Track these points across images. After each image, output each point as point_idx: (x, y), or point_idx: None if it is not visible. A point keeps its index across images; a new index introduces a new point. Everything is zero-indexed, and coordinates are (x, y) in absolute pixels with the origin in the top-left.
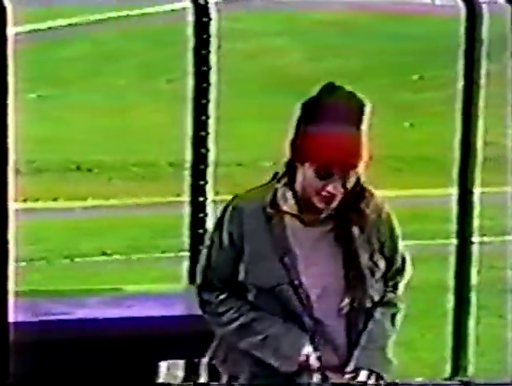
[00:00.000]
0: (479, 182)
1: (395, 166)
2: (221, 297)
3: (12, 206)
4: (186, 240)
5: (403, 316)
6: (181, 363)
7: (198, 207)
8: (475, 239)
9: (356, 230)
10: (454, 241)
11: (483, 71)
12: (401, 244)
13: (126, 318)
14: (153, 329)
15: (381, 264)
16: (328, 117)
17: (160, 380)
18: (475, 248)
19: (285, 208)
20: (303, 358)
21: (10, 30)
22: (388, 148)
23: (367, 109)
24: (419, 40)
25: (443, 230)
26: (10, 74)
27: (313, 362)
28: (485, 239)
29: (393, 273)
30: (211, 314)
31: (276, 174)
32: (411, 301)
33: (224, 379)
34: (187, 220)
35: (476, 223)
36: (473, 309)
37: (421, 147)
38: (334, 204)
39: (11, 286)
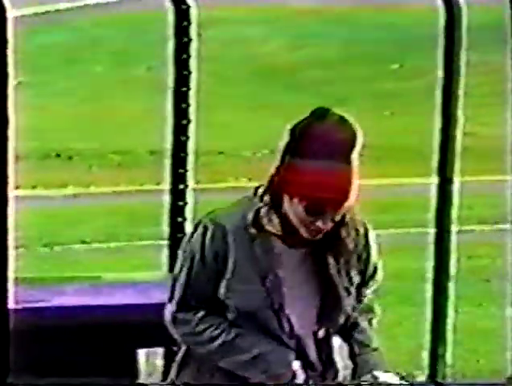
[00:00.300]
0: (458, 171)
1: (375, 154)
2: (200, 314)
3: None
4: (166, 228)
5: (383, 303)
6: (160, 351)
7: (178, 196)
8: (454, 228)
9: (333, 255)
10: (433, 230)
11: (462, 61)
12: (375, 254)
13: (105, 305)
14: (132, 317)
15: (357, 278)
16: (318, 149)
17: (140, 368)
18: (454, 238)
19: (269, 228)
20: (291, 373)
21: None
22: (368, 137)
23: (359, 138)
24: (398, 30)
25: (422, 219)
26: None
27: (300, 376)
28: (464, 228)
29: (367, 282)
30: (189, 334)
31: (257, 189)
32: (391, 289)
33: None
34: (167, 208)
35: (455, 212)
36: (452, 298)
37: (401, 136)
38: (320, 235)
39: None
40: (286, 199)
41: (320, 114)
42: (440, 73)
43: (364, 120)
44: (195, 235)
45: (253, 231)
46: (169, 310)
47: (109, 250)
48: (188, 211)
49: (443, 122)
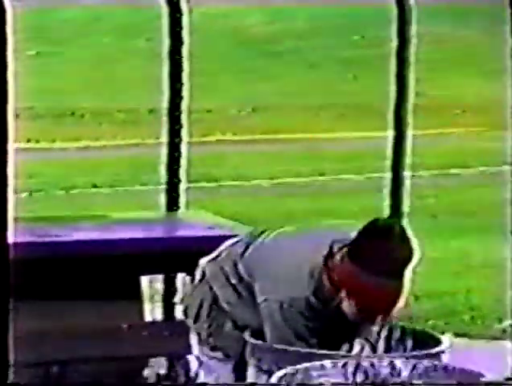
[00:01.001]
0: (410, 125)
1: (340, 112)
2: None
3: (13, 146)
4: (163, 175)
5: None
6: (160, 277)
7: (174, 148)
8: (406, 173)
9: None
10: (389, 175)
11: (413, 32)
12: None
13: (113, 239)
14: (136, 249)
15: None
16: (378, 265)
17: (143, 292)
18: (407, 181)
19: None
20: None
21: None
22: (334, 96)
23: (416, 256)
24: (359, 6)
25: (380, 166)
26: (10, 33)
27: None
28: (415, 173)
29: None
30: None
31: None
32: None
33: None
34: (164, 158)
35: (407, 160)
36: None
37: (362, 96)
38: None
39: (11, 213)
40: (343, 293)
41: (386, 230)
42: (394, 43)
43: (330, 82)
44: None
45: None
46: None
47: (116, 193)
48: (183, 161)
49: (397, 84)
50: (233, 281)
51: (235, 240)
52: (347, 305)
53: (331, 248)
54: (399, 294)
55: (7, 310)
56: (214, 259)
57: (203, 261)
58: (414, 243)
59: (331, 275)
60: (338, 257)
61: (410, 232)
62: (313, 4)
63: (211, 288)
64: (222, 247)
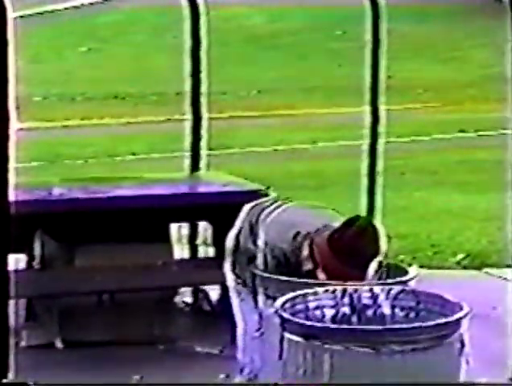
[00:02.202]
0: (383, 102)
1: (328, 92)
2: None
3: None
4: (188, 144)
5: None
6: (186, 224)
7: (196, 123)
8: (380, 140)
9: None
10: (367, 142)
11: (384, 29)
12: None
13: (148, 195)
14: (166, 202)
15: None
16: (348, 256)
17: (171, 237)
18: (380, 147)
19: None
20: None
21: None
22: (323, 80)
23: (380, 254)
24: (341, 9)
25: (359, 134)
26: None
27: None
28: (387, 140)
29: None
30: None
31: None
32: (336, 181)
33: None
34: (189, 131)
35: (381, 129)
36: (380, 186)
37: (345, 80)
38: None
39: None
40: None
41: (361, 230)
42: (369, 36)
43: (319, 69)
44: None
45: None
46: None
47: (151, 159)
48: (203, 133)
49: (372, 69)
50: (251, 223)
51: (265, 199)
52: (320, 273)
53: (321, 228)
54: (362, 280)
55: (7, 309)
56: (250, 208)
57: (244, 209)
58: (383, 241)
59: (312, 248)
60: (322, 239)
61: (381, 232)
62: (305, 6)
63: (239, 231)
64: (255, 201)
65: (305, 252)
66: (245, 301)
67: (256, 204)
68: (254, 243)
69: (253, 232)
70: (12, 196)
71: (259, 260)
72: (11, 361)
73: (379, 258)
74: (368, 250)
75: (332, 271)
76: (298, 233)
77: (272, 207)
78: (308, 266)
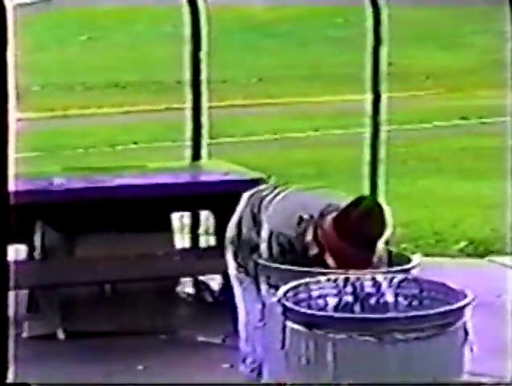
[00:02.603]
0: (385, 89)
1: (328, 80)
2: None
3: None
4: (189, 133)
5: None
6: (187, 214)
7: (196, 111)
8: (383, 128)
9: None
10: (369, 130)
11: (385, 15)
12: None
13: (149, 184)
14: (167, 191)
15: None
16: (354, 237)
17: (173, 226)
18: (382, 134)
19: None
20: None
21: None
22: (323, 68)
23: (386, 232)
24: None
25: (361, 122)
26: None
27: None
28: (389, 128)
29: None
30: None
31: None
32: (341, 170)
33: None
34: (189, 120)
35: (383, 117)
36: (382, 174)
37: (346, 66)
38: None
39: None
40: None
41: (367, 210)
42: (370, 23)
43: (319, 56)
44: None
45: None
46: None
47: (152, 148)
48: (204, 121)
49: (373, 56)
50: (254, 212)
51: (266, 185)
52: (327, 257)
53: (324, 209)
54: (370, 261)
55: (6, 301)
56: (250, 196)
57: (243, 197)
58: (389, 221)
59: (317, 232)
60: (326, 222)
61: (386, 210)
62: None
63: (241, 219)
64: (255, 189)
65: (310, 236)
66: (248, 291)
67: (255, 192)
68: (258, 233)
69: (256, 222)
70: (12, 186)
71: (263, 249)
72: (12, 352)
73: (386, 237)
74: (374, 231)
75: (339, 254)
76: (302, 218)
77: (273, 194)
78: (314, 251)
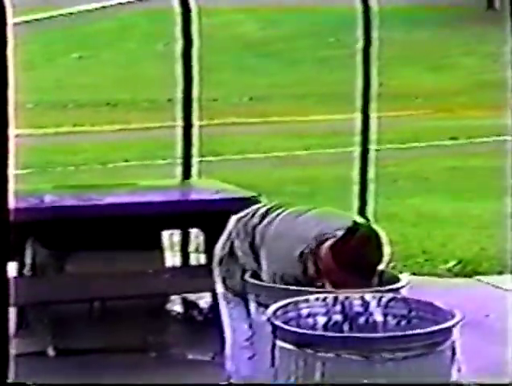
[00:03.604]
0: (374, 109)
1: (319, 99)
2: None
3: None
4: (180, 151)
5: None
6: (178, 232)
7: (187, 129)
8: (372, 147)
9: None
10: (358, 149)
11: (375, 37)
12: None
13: (140, 202)
14: (158, 209)
15: None
16: (353, 266)
17: (163, 243)
18: (372, 153)
19: None
20: None
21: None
22: (314, 87)
23: (384, 259)
24: (333, 17)
25: (351, 141)
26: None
27: None
28: (378, 147)
29: None
30: None
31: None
32: (328, 189)
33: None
34: (180, 138)
35: (372, 136)
36: (372, 193)
37: (336, 86)
38: None
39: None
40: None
41: (365, 237)
42: (360, 45)
43: (311, 75)
44: None
45: None
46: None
47: (143, 166)
48: (194, 140)
49: (363, 76)
50: (249, 239)
51: (258, 206)
52: (328, 287)
53: (321, 237)
54: (370, 287)
55: (7, 316)
56: (241, 218)
57: (233, 219)
58: (386, 246)
59: (317, 262)
60: (324, 250)
61: (382, 236)
62: (298, 13)
63: (232, 241)
64: (248, 210)
65: (312, 270)
66: (235, 310)
67: (245, 215)
68: (255, 259)
69: (253, 249)
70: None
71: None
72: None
73: (383, 263)
74: (372, 258)
75: (339, 282)
76: (302, 253)
77: (266, 221)
78: (319, 283)
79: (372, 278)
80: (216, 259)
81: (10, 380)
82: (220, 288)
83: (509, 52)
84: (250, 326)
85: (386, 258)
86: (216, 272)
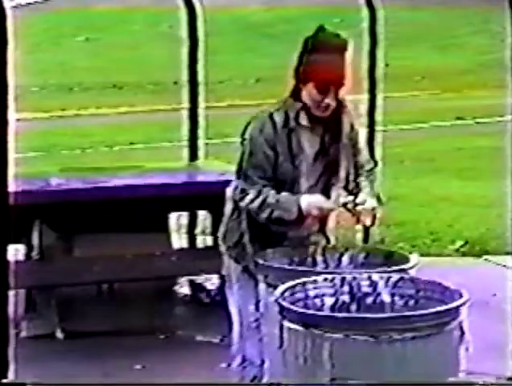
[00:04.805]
0: (381, 89)
1: None
2: (257, 186)
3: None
4: (186, 133)
5: None
6: (185, 214)
7: (193, 112)
8: (378, 128)
9: (337, 137)
10: (365, 129)
11: (381, 17)
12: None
13: (146, 184)
14: (164, 191)
15: (351, 150)
16: (323, 49)
17: (170, 226)
18: (379, 135)
19: (303, 123)
20: (305, 207)
21: None
22: None
23: (350, 45)
24: None
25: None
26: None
27: (313, 208)
28: (385, 128)
29: (359, 152)
30: (251, 200)
31: (287, 99)
32: None
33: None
34: (186, 120)
35: (379, 117)
36: (379, 174)
37: None
38: (328, 113)
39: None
40: (303, 87)
41: (323, 29)
42: (366, 25)
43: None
44: (253, 125)
45: (293, 125)
46: (235, 183)
47: (149, 148)
48: (201, 122)
49: (369, 57)
50: None
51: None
52: (307, 92)
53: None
54: (343, 68)
55: (6, 312)
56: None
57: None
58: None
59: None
60: (294, 71)
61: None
62: None
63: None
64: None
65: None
66: (245, 289)
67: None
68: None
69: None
70: (11, 187)
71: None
72: (12, 352)
73: (350, 50)
74: (336, 43)
75: (315, 68)
76: None
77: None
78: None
79: (343, 58)
80: (221, 236)
81: (9, 380)
82: (227, 267)
83: (509, 34)
84: (257, 306)
85: (349, 43)
86: (224, 249)
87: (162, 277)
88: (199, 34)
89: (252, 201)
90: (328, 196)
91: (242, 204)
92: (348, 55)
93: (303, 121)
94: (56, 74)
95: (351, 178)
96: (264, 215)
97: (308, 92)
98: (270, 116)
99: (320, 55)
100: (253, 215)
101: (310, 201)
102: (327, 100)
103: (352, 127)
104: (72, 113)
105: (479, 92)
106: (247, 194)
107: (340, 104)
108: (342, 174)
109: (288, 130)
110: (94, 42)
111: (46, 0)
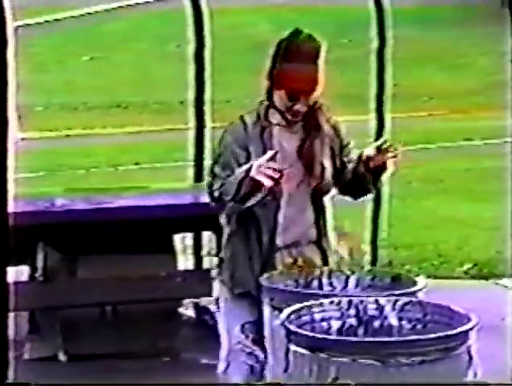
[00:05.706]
0: (388, 110)
1: (331, 100)
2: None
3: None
4: (191, 153)
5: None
6: (190, 235)
7: (199, 132)
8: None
9: (314, 135)
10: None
11: (389, 36)
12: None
13: (151, 205)
14: (170, 212)
15: (330, 147)
16: (295, 56)
17: (175, 247)
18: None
19: (274, 122)
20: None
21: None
22: (327, 88)
23: (323, 49)
24: (346, 18)
25: (364, 143)
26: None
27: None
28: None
29: (344, 148)
30: (215, 191)
31: (262, 101)
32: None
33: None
34: (192, 140)
35: (387, 137)
36: (386, 195)
37: (350, 88)
38: (299, 118)
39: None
40: (275, 92)
41: (298, 32)
42: (374, 45)
43: (324, 77)
44: (225, 129)
45: (264, 123)
46: (208, 177)
47: (154, 169)
48: (207, 142)
49: (377, 77)
50: None
51: None
52: (279, 98)
53: None
54: (315, 76)
55: (6, 312)
56: None
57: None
58: (321, 41)
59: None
60: (267, 75)
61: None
62: (311, 14)
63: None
64: None
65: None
66: (229, 310)
67: None
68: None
69: None
70: (14, 207)
71: None
72: (13, 374)
73: (323, 54)
74: (308, 46)
75: (285, 75)
76: None
77: None
78: None
79: (316, 65)
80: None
81: (9, 381)
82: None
83: (509, 52)
84: (242, 327)
85: (322, 46)
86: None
87: (167, 299)
88: (206, 53)
89: (218, 189)
90: (312, 194)
91: (211, 199)
92: (321, 59)
93: (274, 119)
94: (61, 93)
95: (336, 171)
96: (229, 196)
97: (279, 97)
98: (241, 118)
99: (291, 64)
100: (227, 210)
101: (259, 162)
102: (296, 107)
103: (329, 121)
104: (77, 133)
105: (487, 112)
106: (212, 185)
107: (315, 104)
108: (328, 171)
109: (261, 129)
110: (100, 61)
111: (56, 20)
